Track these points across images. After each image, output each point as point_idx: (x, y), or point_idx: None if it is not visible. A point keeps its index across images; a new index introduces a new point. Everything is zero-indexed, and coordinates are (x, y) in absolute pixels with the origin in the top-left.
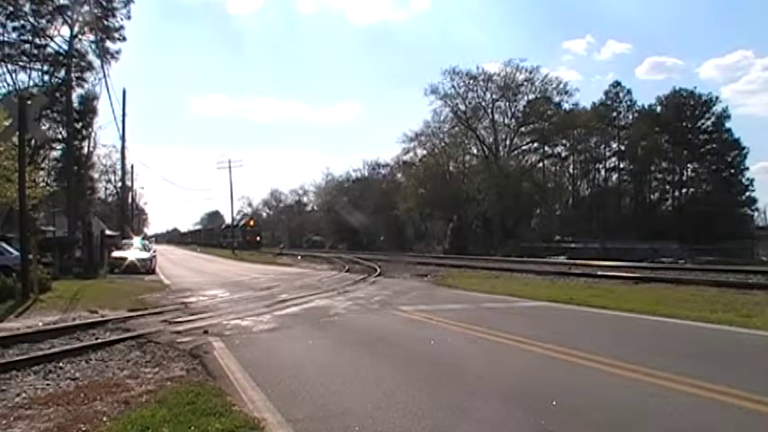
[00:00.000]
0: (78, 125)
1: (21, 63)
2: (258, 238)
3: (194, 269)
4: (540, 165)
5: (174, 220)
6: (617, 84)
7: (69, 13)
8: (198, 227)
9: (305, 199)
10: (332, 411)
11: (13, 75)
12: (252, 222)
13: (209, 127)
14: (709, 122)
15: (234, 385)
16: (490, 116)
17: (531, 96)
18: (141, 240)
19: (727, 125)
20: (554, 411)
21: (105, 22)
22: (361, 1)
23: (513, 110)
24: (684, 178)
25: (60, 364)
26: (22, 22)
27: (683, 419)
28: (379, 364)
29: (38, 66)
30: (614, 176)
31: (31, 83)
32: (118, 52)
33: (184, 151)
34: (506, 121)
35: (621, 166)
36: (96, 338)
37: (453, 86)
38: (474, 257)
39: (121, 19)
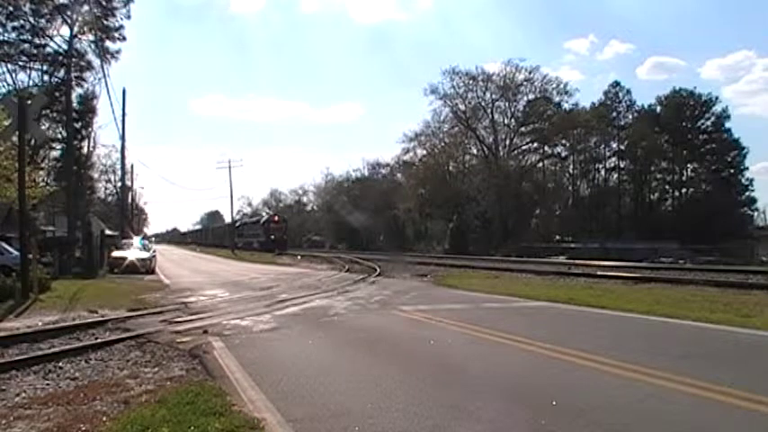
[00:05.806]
0: (78, 125)
1: (20, 63)
2: (285, 237)
3: (194, 269)
4: (540, 165)
5: (173, 219)
6: (616, 84)
7: (69, 13)
8: (198, 226)
9: (305, 199)
10: (332, 411)
11: (13, 74)
12: (278, 218)
13: (209, 127)
14: (708, 122)
15: (234, 385)
16: (490, 116)
17: (531, 96)
18: (141, 240)
19: (727, 125)
20: (554, 411)
21: (105, 22)
22: (363, 1)
23: (512, 110)
24: (684, 178)
25: (60, 363)
26: (21, 21)
27: (683, 420)
28: (379, 364)
29: (37, 65)
30: (614, 176)
31: (31, 83)
32: (118, 52)
33: (184, 151)
34: (506, 121)
35: (621, 166)
36: (96, 338)
37: (453, 86)
38: (474, 257)
39: (121, 18)
